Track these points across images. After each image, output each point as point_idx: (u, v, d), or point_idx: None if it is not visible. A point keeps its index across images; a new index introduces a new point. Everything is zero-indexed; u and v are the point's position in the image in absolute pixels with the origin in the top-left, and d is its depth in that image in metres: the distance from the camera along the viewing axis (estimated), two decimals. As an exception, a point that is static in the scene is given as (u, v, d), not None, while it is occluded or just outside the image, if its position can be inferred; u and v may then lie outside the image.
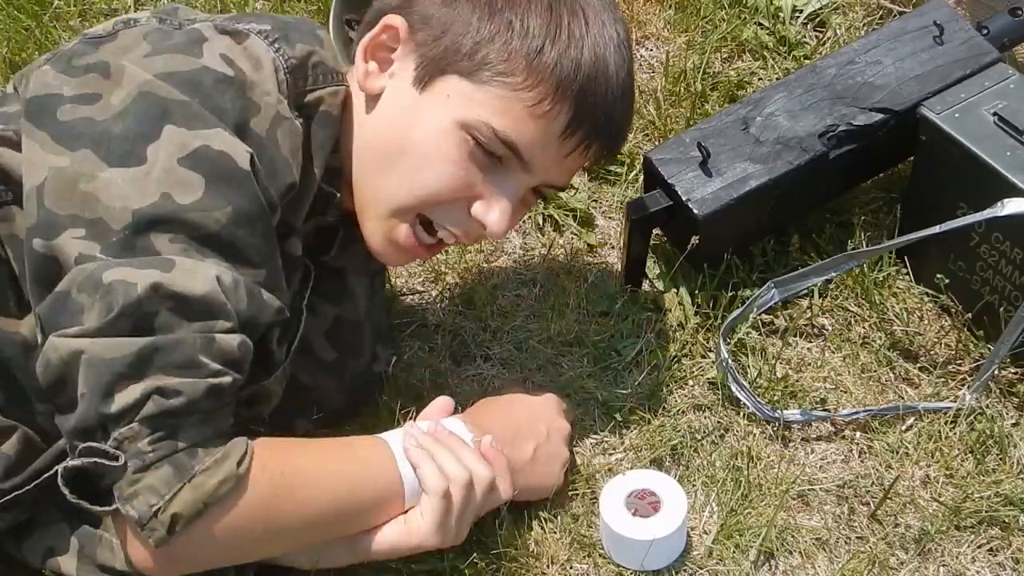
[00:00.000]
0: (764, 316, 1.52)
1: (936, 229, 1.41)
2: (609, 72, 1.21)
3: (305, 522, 1.12)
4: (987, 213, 1.38)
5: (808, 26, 1.90)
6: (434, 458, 1.19)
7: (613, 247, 1.63)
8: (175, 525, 1.01)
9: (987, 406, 1.41)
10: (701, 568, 1.29)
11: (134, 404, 1.00)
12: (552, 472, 1.32)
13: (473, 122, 1.18)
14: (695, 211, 1.46)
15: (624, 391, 1.45)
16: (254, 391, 1.14)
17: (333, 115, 1.20)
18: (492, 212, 1.23)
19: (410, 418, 1.30)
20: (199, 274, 1.03)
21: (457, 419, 1.28)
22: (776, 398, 1.44)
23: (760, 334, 1.50)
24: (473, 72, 1.18)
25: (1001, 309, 1.44)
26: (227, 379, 1.04)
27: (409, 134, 1.20)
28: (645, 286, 1.58)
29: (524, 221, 1.66)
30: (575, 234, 1.65)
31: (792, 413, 1.42)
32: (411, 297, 1.57)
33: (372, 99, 1.23)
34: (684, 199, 1.47)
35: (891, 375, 1.48)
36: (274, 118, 1.11)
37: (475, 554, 1.25)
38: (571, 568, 1.28)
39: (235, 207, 1.05)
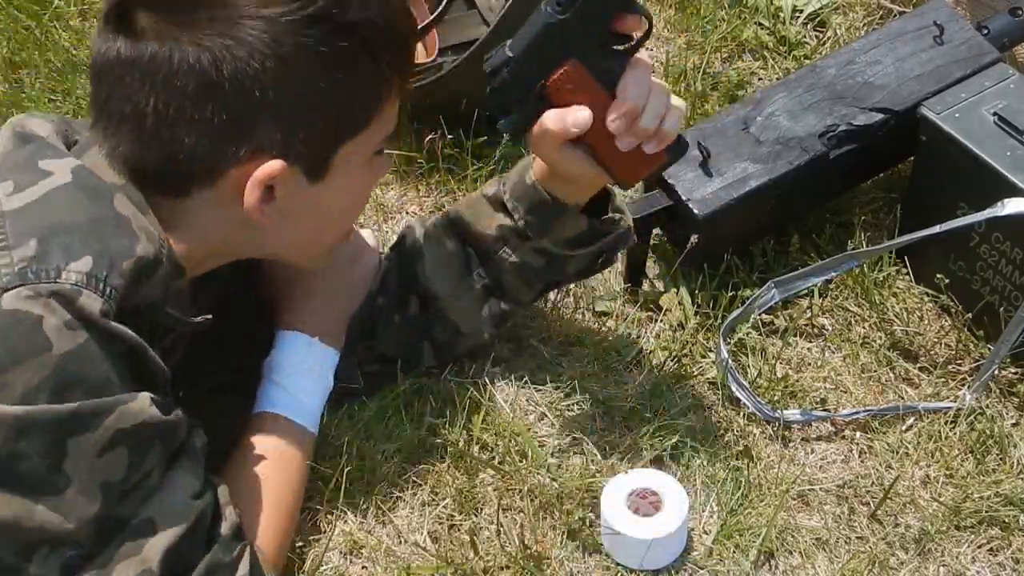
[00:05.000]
0: (764, 316, 1.52)
1: (936, 229, 1.42)
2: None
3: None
4: (987, 213, 1.38)
5: (808, 26, 1.90)
6: None
7: (613, 247, 1.63)
8: None
9: (987, 406, 1.41)
10: (701, 568, 1.29)
11: None
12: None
13: (377, 149, 1.16)
14: (695, 211, 1.46)
15: (624, 391, 1.45)
16: None
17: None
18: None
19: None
20: None
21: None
22: (776, 398, 1.44)
23: (760, 334, 1.50)
24: (361, 127, 1.12)
25: (1001, 309, 1.44)
26: None
27: (325, 212, 1.17)
28: (645, 286, 1.58)
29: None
30: (575, 234, 1.65)
31: (792, 413, 1.42)
32: (411, 297, 1.57)
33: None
34: (684, 199, 1.47)
35: (891, 375, 1.48)
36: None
37: (473, 554, 1.25)
38: (571, 567, 1.28)
39: None
